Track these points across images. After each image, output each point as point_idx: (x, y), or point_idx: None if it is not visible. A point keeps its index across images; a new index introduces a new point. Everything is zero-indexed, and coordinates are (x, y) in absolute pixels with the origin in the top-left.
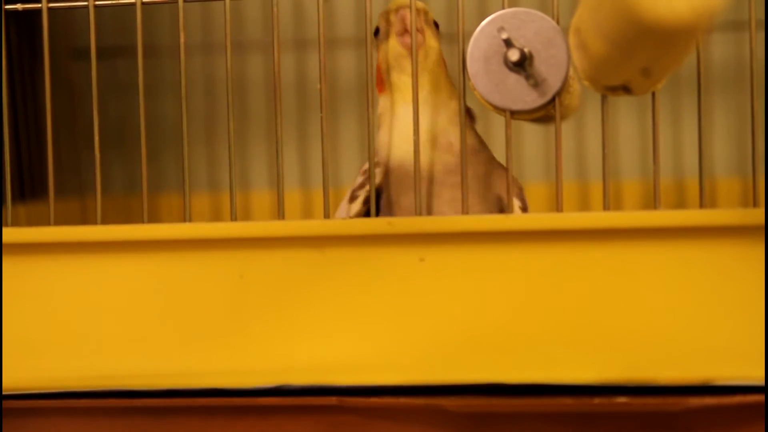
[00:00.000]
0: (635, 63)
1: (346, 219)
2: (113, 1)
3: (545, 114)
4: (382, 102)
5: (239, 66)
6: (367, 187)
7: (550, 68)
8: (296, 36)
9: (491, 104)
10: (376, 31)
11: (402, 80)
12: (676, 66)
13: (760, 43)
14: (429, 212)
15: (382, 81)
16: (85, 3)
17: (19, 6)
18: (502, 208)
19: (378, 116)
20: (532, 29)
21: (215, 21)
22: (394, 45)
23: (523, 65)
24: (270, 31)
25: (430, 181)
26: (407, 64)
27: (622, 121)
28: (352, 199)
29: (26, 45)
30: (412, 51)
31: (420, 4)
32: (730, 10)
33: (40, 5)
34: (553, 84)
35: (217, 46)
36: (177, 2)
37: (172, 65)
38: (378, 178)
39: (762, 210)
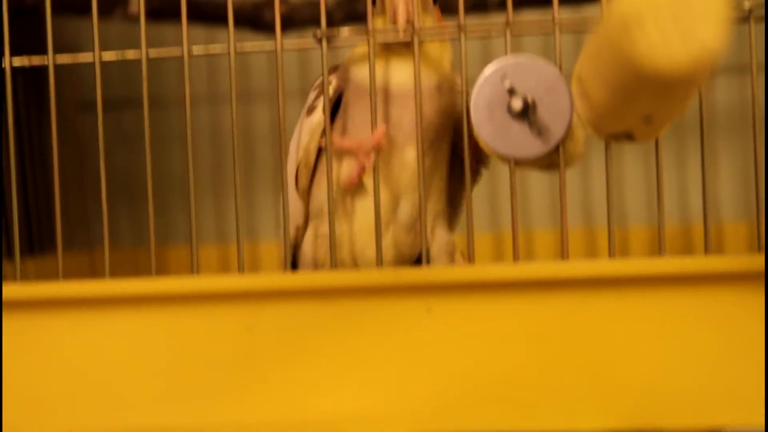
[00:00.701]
0: (637, 111)
1: (353, 272)
2: (119, 56)
3: (550, 162)
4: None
5: (245, 116)
6: (320, 99)
7: (553, 116)
8: (302, 86)
9: (495, 152)
10: (374, 1)
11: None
12: (679, 113)
13: (761, 86)
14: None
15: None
16: (91, 59)
17: (25, 61)
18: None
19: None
20: (535, 77)
21: (221, 72)
22: (385, 21)
23: (526, 113)
24: (275, 82)
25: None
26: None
27: (628, 166)
28: (310, 111)
29: (33, 98)
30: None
31: None
32: (733, 53)
33: (46, 60)
34: (557, 132)
35: (223, 96)
36: (182, 56)
37: (179, 116)
38: (333, 85)
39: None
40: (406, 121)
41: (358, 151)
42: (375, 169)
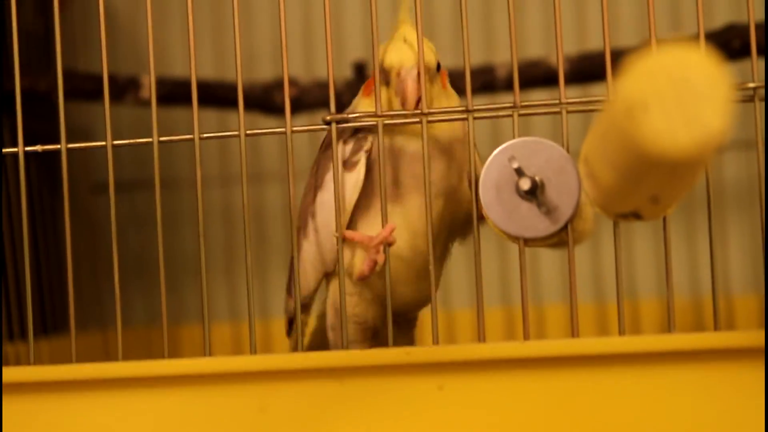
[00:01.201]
0: (644, 191)
1: (365, 351)
2: (131, 140)
3: (559, 240)
4: (363, 105)
5: (257, 196)
6: (364, 151)
7: (561, 196)
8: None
9: (505, 232)
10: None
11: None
12: (685, 192)
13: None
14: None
15: (370, 88)
16: (104, 143)
17: (38, 147)
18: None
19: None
20: (543, 158)
21: (232, 153)
22: (393, 99)
23: (534, 193)
24: (286, 163)
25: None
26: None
27: (638, 241)
28: (351, 166)
29: (46, 181)
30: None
31: (430, 59)
32: (741, 129)
33: (59, 146)
34: (566, 211)
35: (234, 177)
36: (193, 139)
37: (190, 197)
38: (366, 148)
39: None
40: (418, 184)
41: (368, 245)
42: (386, 262)
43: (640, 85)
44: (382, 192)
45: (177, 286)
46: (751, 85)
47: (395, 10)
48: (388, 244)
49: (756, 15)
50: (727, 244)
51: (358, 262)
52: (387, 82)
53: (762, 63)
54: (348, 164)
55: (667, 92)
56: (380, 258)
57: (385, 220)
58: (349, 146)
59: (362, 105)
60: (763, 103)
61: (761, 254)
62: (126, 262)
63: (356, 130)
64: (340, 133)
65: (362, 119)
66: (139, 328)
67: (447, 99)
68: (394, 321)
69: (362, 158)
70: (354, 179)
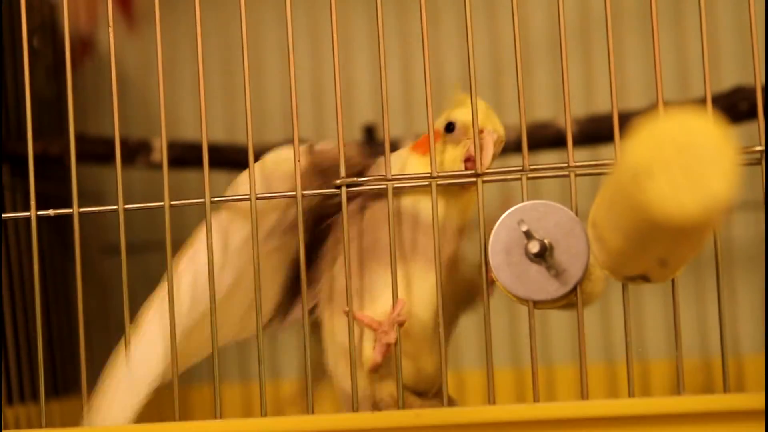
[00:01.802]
0: (651, 255)
1: (374, 412)
2: (142, 204)
3: (568, 302)
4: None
5: None
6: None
7: (570, 258)
8: None
9: (514, 295)
10: (451, 126)
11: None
12: (693, 255)
13: None
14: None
15: (425, 146)
16: (115, 207)
17: (51, 212)
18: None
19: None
20: (552, 221)
21: None
22: (457, 158)
23: (543, 256)
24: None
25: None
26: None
27: (647, 301)
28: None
29: (58, 242)
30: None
31: (499, 130)
32: (750, 189)
33: (71, 210)
34: (575, 274)
35: None
36: (204, 203)
37: None
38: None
39: None
40: (431, 250)
41: (378, 329)
42: (397, 344)
43: (646, 151)
44: (393, 262)
45: None
46: (758, 148)
47: (405, 73)
48: (399, 323)
49: (763, 78)
50: (736, 303)
51: (367, 348)
52: (457, 141)
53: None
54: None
55: (672, 158)
56: (393, 338)
57: (395, 294)
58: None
59: (411, 162)
60: None
61: None
62: None
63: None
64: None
65: (375, 182)
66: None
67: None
68: (421, 396)
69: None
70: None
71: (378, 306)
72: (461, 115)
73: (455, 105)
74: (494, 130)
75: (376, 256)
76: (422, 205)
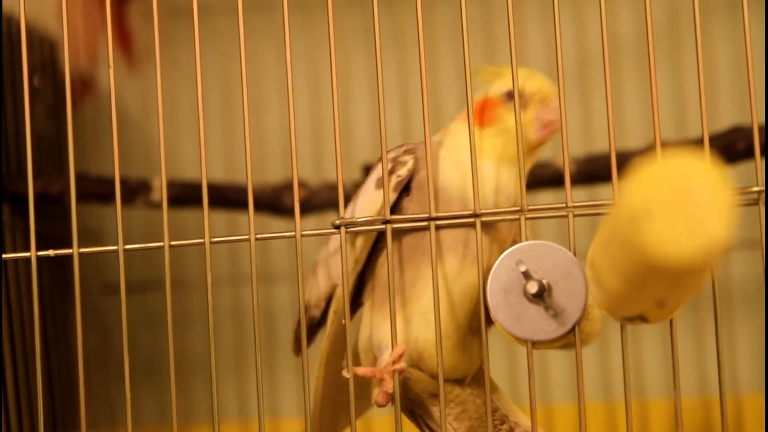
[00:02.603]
0: (649, 296)
1: None
2: (142, 245)
3: (567, 342)
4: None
5: (266, 296)
6: (402, 173)
7: (569, 298)
8: None
9: (513, 335)
10: (510, 95)
11: (510, 149)
12: (691, 296)
13: None
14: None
15: (488, 116)
16: (115, 247)
17: (51, 252)
18: None
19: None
20: (550, 261)
21: (242, 254)
22: (528, 124)
23: (542, 297)
24: (295, 263)
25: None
26: (526, 145)
27: (646, 340)
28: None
29: (58, 281)
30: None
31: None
32: (749, 228)
33: (71, 250)
34: (573, 314)
35: (244, 277)
36: (204, 243)
37: (201, 297)
38: (410, 165)
39: None
40: (472, 245)
41: (378, 377)
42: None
43: (643, 193)
44: (391, 291)
45: (187, 386)
46: (756, 188)
47: (403, 112)
48: (399, 371)
49: (759, 118)
50: (735, 342)
51: (374, 391)
52: (524, 107)
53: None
54: (378, 183)
55: (669, 201)
56: (390, 388)
57: (394, 341)
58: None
59: (462, 131)
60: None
61: None
62: (136, 363)
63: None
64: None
65: (373, 223)
66: (149, 428)
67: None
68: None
69: (397, 182)
70: (373, 199)
71: (422, 303)
72: (527, 81)
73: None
74: (551, 94)
75: (419, 252)
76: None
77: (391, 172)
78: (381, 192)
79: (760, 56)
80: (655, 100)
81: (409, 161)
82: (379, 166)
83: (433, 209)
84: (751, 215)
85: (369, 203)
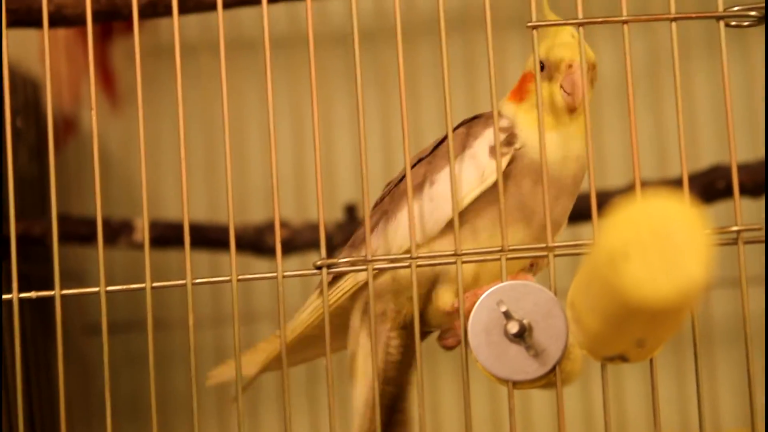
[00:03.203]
0: (629, 336)
1: None
2: (124, 286)
3: (548, 381)
4: (510, 109)
5: (249, 336)
6: (514, 148)
7: (549, 338)
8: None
9: (494, 375)
10: (542, 66)
11: (549, 120)
12: (670, 336)
13: (753, 298)
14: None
15: (524, 91)
16: (97, 289)
17: (32, 294)
18: None
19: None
20: (531, 301)
21: (225, 294)
22: (556, 93)
23: (523, 336)
24: (277, 304)
25: (556, 184)
26: (564, 116)
27: (628, 379)
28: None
29: (40, 321)
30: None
31: (591, 56)
32: (730, 266)
33: (53, 292)
34: (554, 354)
35: (226, 317)
36: (185, 285)
37: (183, 337)
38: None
39: None
40: (554, 213)
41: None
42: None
43: (621, 234)
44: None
45: (169, 426)
46: (734, 228)
47: (385, 153)
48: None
49: (739, 156)
50: (716, 380)
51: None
52: (550, 77)
53: (744, 204)
54: (494, 151)
55: (647, 242)
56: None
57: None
58: (502, 135)
59: (520, 117)
60: (749, 246)
61: (751, 389)
62: (118, 403)
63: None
64: (489, 118)
65: (354, 263)
66: None
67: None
68: None
69: (510, 153)
70: (494, 167)
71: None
72: (550, 54)
73: (543, 40)
74: (585, 60)
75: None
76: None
77: (508, 143)
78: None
79: (739, 95)
80: (635, 140)
81: (516, 139)
82: (485, 132)
83: (459, 245)
84: (732, 254)
85: (477, 172)
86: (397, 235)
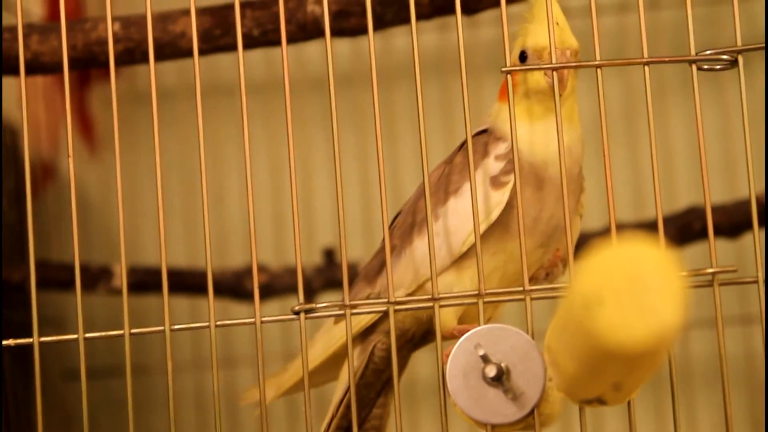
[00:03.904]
0: (605, 380)
1: None
2: (103, 333)
3: (526, 424)
4: (495, 109)
5: (228, 381)
6: (512, 176)
7: (527, 381)
8: (283, 349)
9: (472, 419)
10: (523, 56)
11: (538, 108)
12: (647, 379)
13: (731, 338)
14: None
15: (507, 91)
16: (75, 336)
17: (11, 342)
18: None
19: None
20: (508, 344)
21: (204, 339)
22: (539, 80)
23: (500, 380)
24: (256, 351)
25: (551, 182)
26: (546, 99)
27: (608, 420)
28: (499, 185)
29: (19, 366)
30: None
31: (574, 44)
32: (705, 307)
33: (31, 340)
34: (532, 396)
35: (206, 362)
36: (164, 331)
37: (163, 382)
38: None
39: None
40: (556, 217)
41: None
42: None
43: (595, 279)
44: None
45: None
46: (710, 270)
47: (363, 197)
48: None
49: (715, 198)
50: (695, 420)
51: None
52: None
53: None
54: (496, 182)
55: (621, 287)
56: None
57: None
58: (501, 164)
59: (505, 113)
60: (724, 288)
61: (729, 430)
62: None
63: (497, 137)
64: (488, 143)
65: (331, 308)
66: None
67: (572, 94)
68: None
69: (511, 181)
70: (498, 199)
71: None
72: (529, 41)
73: (522, 32)
74: (566, 47)
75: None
76: (550, 173)
77: (506, 172)
78: (499, 192)
79: (715, 137)
80: (610, 182)
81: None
82: (484, 163)
83: (482, 287)
84: (708, 295)
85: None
86: (411, 269)
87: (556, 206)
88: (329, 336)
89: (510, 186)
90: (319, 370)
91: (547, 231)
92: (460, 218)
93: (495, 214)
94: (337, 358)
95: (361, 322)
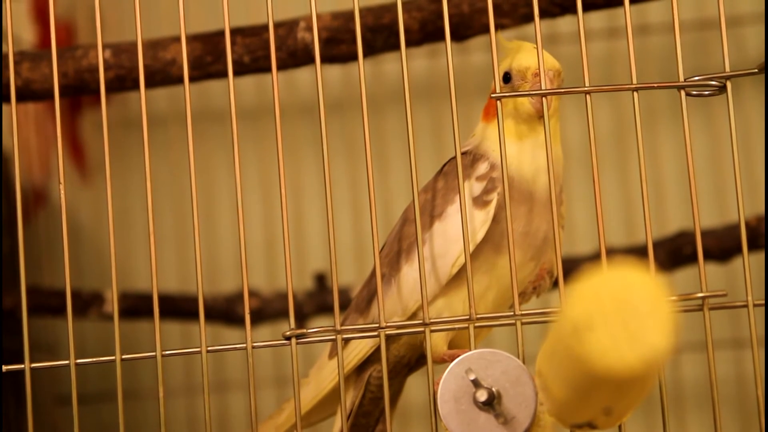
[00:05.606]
0: (595, 404)
1: None
2: (94, 359)
3: None
4: (479, 129)
5: (220, 405)
6: (497, 192)
7: (518, 406)
8: (276, 373)
9: None
10: (507, 77)
11: (523, 128)
12: (637, 403)
13: (721, 362)
14: (529, 227)
15: (491, 107)
16: (67, 362)
17: (3, 368)
18: None
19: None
20: (499, 369)
21: (196, 364)
22: (524, 102)
23: (492, 404)
24: (248, 376)
25: (535, 199)
26: (531, 119)
27: None
28: (482, 204)
29: (12, 391)
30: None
31: (555, 65)
32: (696, 330)
33: (23, 366)
34: (523, 421)
35: (198, 387)
36: (155, 356)
37: (155, 408)
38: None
39: None
40: (543, 231)
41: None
42: None
43: (585, 305)
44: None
45: None
46: (700, 294)
47: (355, 222)
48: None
49: (705, 222)
50: None
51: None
52: (517, 87)
53: (712, 270)
54: (479, 202)
55: (610, 312)
56: None
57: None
58: (482, 184)
59: (489, 132)
60: (714, 312)
61: None
62: None
63: (477, 158)
64: (468, 165)
65: (322, 334)
66: None
67: (555, 113)
68: None
69: (494, 199)
70: (483, 218)
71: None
72: (514, 63)
73: (507, 54)
74: (548, 68)
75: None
76: (538, 188)
77: (489, 191)
78: (483, 212)
79: (704, 162)
80: (599, 207)
81: (497, 188)
82: (469, 183)
83: (473, 312)
84: (698, 319)
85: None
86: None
87: (542, 220)
88: (321, 376)
89: (494, 204)
90: (316, 409)
91: (536, 243)
92: (446, 241)
93: (481, 233)
94: (333, 393)
95: (358, 355)
